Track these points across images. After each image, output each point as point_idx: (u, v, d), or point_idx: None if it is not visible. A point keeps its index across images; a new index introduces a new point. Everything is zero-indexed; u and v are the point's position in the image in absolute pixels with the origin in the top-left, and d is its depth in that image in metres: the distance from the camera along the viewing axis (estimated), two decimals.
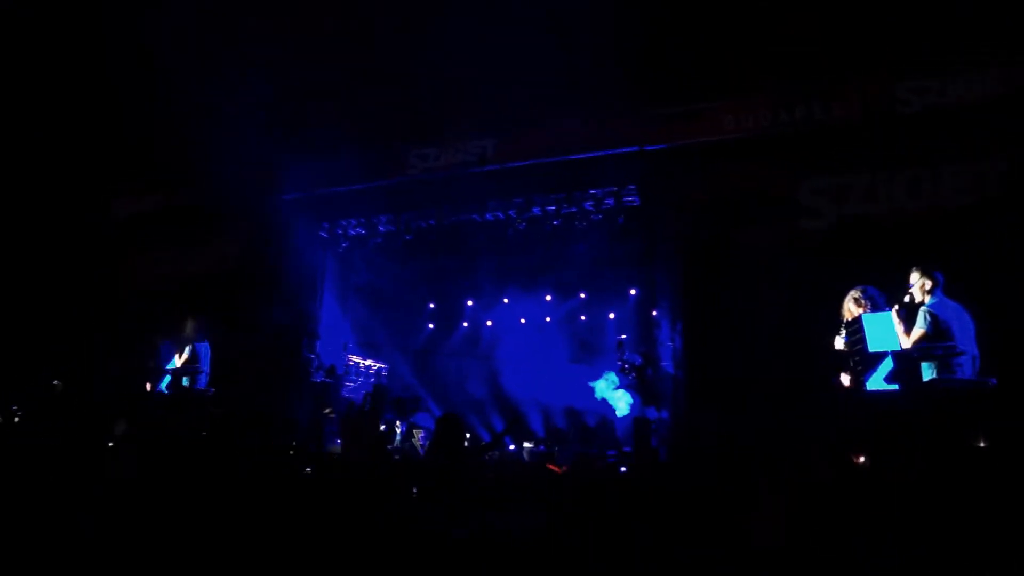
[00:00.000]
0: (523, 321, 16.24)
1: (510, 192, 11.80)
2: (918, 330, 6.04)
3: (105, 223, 14.00)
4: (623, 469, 9.43)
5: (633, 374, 11.42)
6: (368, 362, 15.14)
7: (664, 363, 10.31)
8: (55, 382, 10.74)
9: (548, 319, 16.18)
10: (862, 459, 6.02)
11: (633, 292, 14.45)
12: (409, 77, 11.24)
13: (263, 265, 12.46)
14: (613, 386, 14.25)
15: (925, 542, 4.50)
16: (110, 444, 7.70)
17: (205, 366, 9.80)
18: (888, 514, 4.77)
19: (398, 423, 12.20)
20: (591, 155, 10.80)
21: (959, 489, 4.83)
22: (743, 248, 9.58)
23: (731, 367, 9.18)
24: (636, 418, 10.66)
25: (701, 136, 10.20)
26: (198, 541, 4.84)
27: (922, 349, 5.99)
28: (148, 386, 9.74)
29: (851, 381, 6.52)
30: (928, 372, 6.03)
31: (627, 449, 11.10)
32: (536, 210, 11.88)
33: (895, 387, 6.28)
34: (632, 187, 11.11)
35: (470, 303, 16.37)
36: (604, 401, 14.28)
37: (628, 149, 10.56)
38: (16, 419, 10.05)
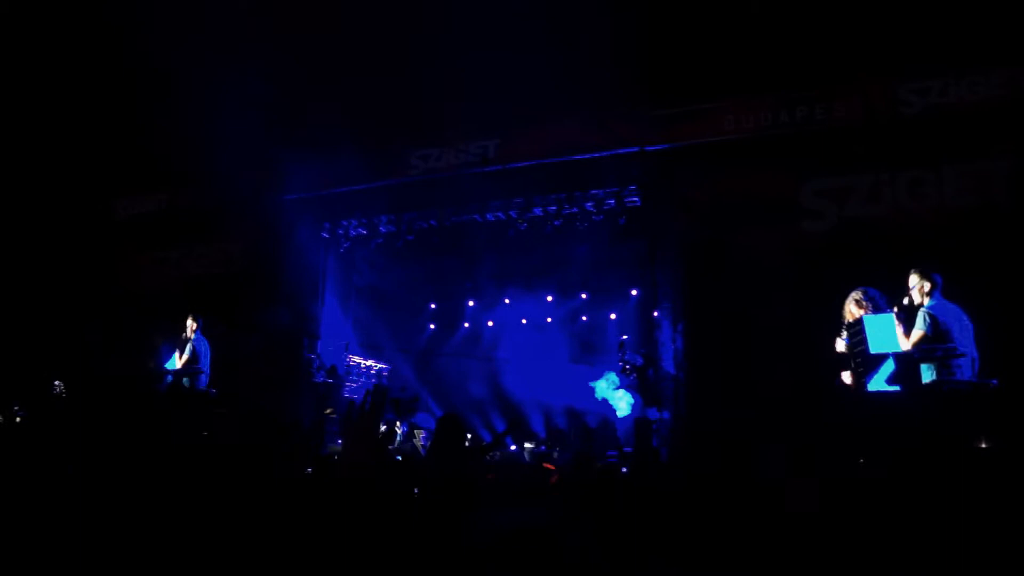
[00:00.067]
0: (524, 321, 16.26)
1: (511, 192, 11.79)
2: (918, 332, 6.05)
3: (106, 223, 14.01)
4: (624, 470, 9.44)
5: (634, 375, 11.41)
6: (369, 362, 15.15)
7: (665, 364, 10.29)
8: (56, 382, 10.73)
9: (549, 319, 16.20)
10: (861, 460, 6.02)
11: (634, 293, 14.46)
12: (411, 78, 11.24)
13: (264, 265, 12.46)
14: (613, 386, 14.27)
15: (931, 543, 4.50)
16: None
17: (205, 366, 9.82)
18: (895, 519, 4.76)
19: (399, 424, 12.21)
20: (592, 156, 10.80)
21: (964, 490, 4.82)
22: (744, 249, 9.56)
23: (732, 368, 9.17)
24: (637, 419, 10.65)
25: (703, 137, 10.19)
26: (201, 542, 4.84)
27: (923, 351, 5.99)
28: (151, 386, 9.75)
29: (853, 382, 6.52)
30: (928, 374, 6.03)
31: (628, 450, 11.11)
32: (537, 210, 11.87)
33: (896, 388, 6.28)
34: (633, 188, 11.10)
35: (471, 303, 16.39)
36: (605, 402, 14.30)
37: (629, 150, 10.56)
38: (18, 419, 10.05)
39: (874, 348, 6.10)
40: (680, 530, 5.36)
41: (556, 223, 11.86)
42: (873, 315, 6.29)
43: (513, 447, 12.86)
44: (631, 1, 9.93)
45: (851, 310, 6.61)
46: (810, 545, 4.75)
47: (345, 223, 13.03)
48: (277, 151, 12.07)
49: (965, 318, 6.15)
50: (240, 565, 4.60)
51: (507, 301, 15.66)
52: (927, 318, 6.03)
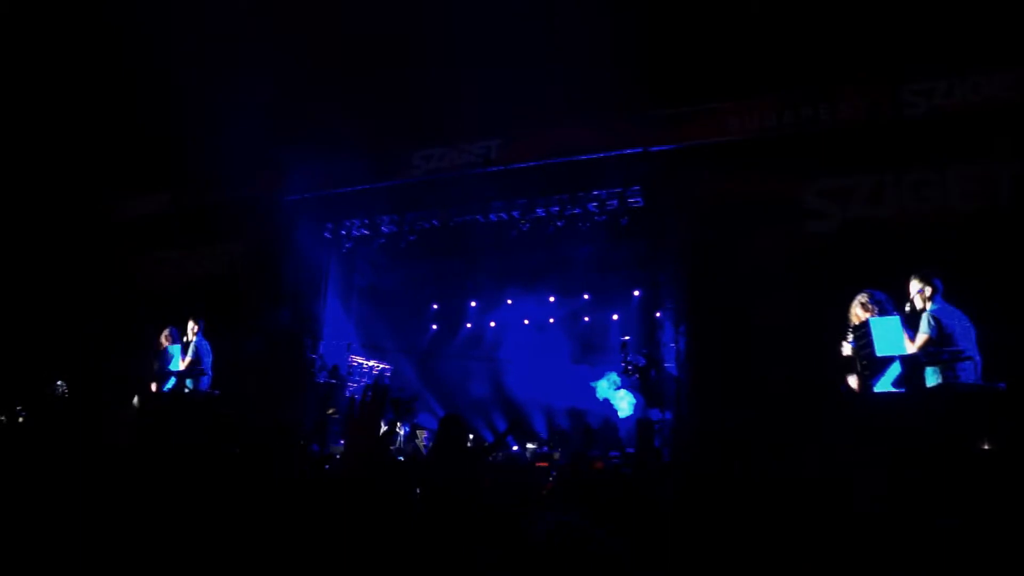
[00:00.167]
0: (526, 322, 16.26)
1: (514, 193, 11.79)
2: (922, 335, 6.04)
3: (108, 224, 14.01)
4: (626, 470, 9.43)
5: (636, 375, 11.41)
6: (371, 363, 15.14)
7: (668, 364, 10.28)
8: (59, 383, 10.73)
9: (551, 320, 16.19)
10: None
11: (637, 293, 14.45)
12: (413, 78, 11.24)
13: (267, 266, 12.45)
14: (615, 386, 14.28)
15: (933, 543, 4.49)
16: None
17: (208, 368, 9.80)
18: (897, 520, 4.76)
19: (400, 424, 12.21)
20: (595, 156, 10.78)
21: (972, 492, 4.82)
22: (748, 250, 9.53)
23: (735, 369, 9.15)
24: (640, 419, 10.65)
25: (706, 137, 10.17)
26: (201, 541, 4.83)
27: (929, 354, 5.98)
28: (153, 387, 9.75)
29: (859, 385, 6.50)
30: (933, 377, 6.01)
31: (630, 450, 11.10)
32: (540, 211, 11.88)
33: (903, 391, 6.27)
34: (636, 188, 11.10)
35: (473, 304, 16.38)
36: (607, 402, 14.30)
37: (632, 150, 10.54)
38: (20, 419, 10.05)
39: (880, 351, 6.08)
40: (682, 530, 5.36)
41: (559, 224, 11.86)
42: (879, 318, 6.27)
43: (515, 447, 12.86)
44: (634, 1, 9.92)
45: (857, 313, 6.59)
46: (813, 545, 4.75)
47: (347, 223, 13.03)
48: (279, 151, 12.07)
49: (967, 321, 6.14)
50: (240, 564, 4.60)
51: (509, 301, 15.64)
52: (932, 321, 6.02)
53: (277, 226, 12.49)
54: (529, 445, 13.04)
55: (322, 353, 12.65)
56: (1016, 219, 8.17)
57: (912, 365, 6.10)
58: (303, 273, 12.59)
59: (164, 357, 9.74)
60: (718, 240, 9.79)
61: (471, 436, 12.38)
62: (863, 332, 6.26)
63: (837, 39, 9.44)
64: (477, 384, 16.28)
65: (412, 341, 16.68)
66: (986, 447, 5.41)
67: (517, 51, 9.92)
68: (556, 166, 11.12)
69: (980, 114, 8.75)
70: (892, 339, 6.06)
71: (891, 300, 6.52)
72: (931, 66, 9.10)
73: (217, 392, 9.72)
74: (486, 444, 11.38)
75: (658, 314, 10.83)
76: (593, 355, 15.57)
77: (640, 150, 10.51)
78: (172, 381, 9.68)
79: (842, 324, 6.77)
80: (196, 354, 9.69)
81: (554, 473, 9.45)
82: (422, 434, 13.04)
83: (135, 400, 9.66)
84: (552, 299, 15.62)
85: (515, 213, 12.09)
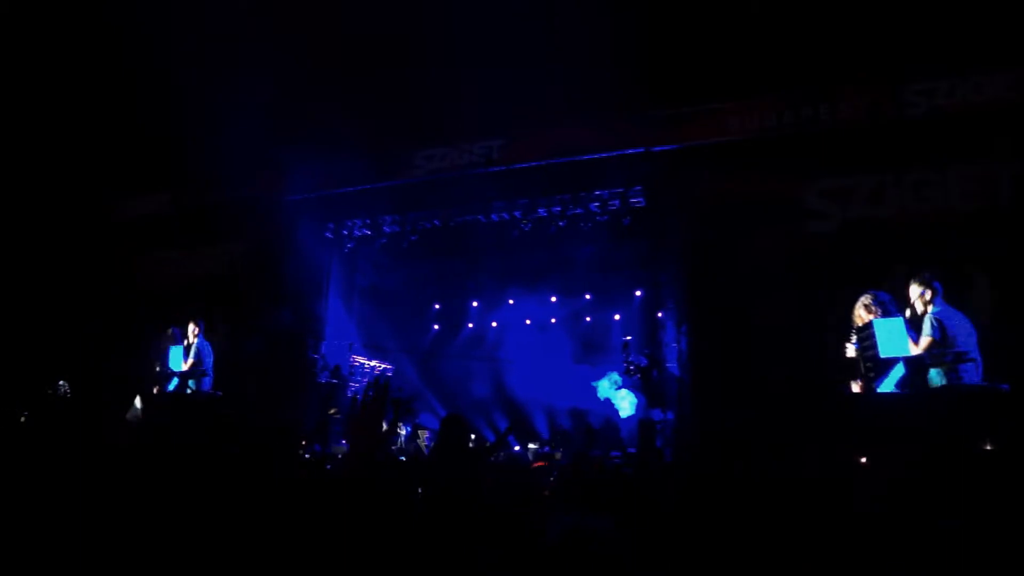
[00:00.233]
0: (528, 322, 16.25)
1: (516, 193, 11.79)
2: (926, 337, 6.04)
3: (109, 224, 14.00)
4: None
5: (638, 375, 11.41)
6: (373, 363, 15.14)
7: (669, 365, 10.28)
8: (61, 383, 10.74)
9: (553, 320, 16.18)
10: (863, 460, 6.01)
11: (638, 293, 14.45)
12: (415, 78, 11.23)
13: (268, 266, 12.44)
14: (616, 386, 14.26)
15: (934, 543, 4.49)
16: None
17: (209, 368, 9.82)
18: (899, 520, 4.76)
19: (401, 425, 12.21)
20: (597, 156, 10.78)
21: (974, 493, 4.81)
22: (749, 250, 9.53)
23: (737, 369, 9.14)
24: (642, 420, 10.66)
25: (708, 137, 10.17)
26: (202, 542, 4.83)
27: (933, 355, 5.98)
28: (155, 388, 9.76)
29: (862, 387, 6.51)
30: (937, 378, 6.02)
31: (632, 451, 11.11)
32: (541, 211, 11.88)
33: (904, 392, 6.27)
34: (638, 188, 11.09)
35: (475, 304, 16.37)
36: (608, 402, 14.29)
37: (634, 150, 10.54)
38: (22, 419, 10.05)
39: (884, 352, 6.09)
40: (684, 531, 5.35)
41: (560, 224, 11.86)
42: (883, 319, 6.27)
43: (517, 447, 12.87)
44: (634, 1, 9.91)
45: (860, 314, 6.60)
46: (814, 545, 4.74)
47: (349, 223, 13.03)
48: (281, 151, 12.06)
49: (967, 323, 6.15)
50: (241, 564, 4.60)
51: (511, 301, 15.64)
52: (935, 323, 6.03)
53: (278, 226, 12.49)
54: (531, 445, 13.04)
55: (324, 353, 12.66)
56: (1016, 219, 8.16)
57: (916, 367, 6.11)
58: (304, 273, 12.58)
59: (166, 358, 9.75)
60: (719, 240, 9.79)
61: (473, 436, 12.38)
62: (867, 333, 6.27)
63: (838, 39, 9.43)
64: (479, 384, 16.28)
65: (414, 341, 16.67)
66: (988, 447, 5.42)
67: (517, 51, 9.91)
68: (558, 166, 11.12)
69: (981, 114, 8.74)
70: (896, 340, 6.07)
71: (895, 301, 6.53)
72: (932, 66, 9.09)
73: (219, 393, 9.73)
74: (488, 444, 11.39)
75: (660, 314, 10.84)
76: (595, 355, 15.56)
77: (642, 150, 10.52)
78: (175, 382, 9.69)
79: (842, 325, 6.78)
80: (198, 355, 9.71)
81: (555, 473, 9.46)
82: (424, 434, 13.05)
83: (136, 401, 9.67)
84: (554, 299, 15.62)
85: (517, 213, 12.09)
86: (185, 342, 9.81)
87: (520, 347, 16.15)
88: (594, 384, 14.71)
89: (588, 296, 15.55)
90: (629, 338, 12.61)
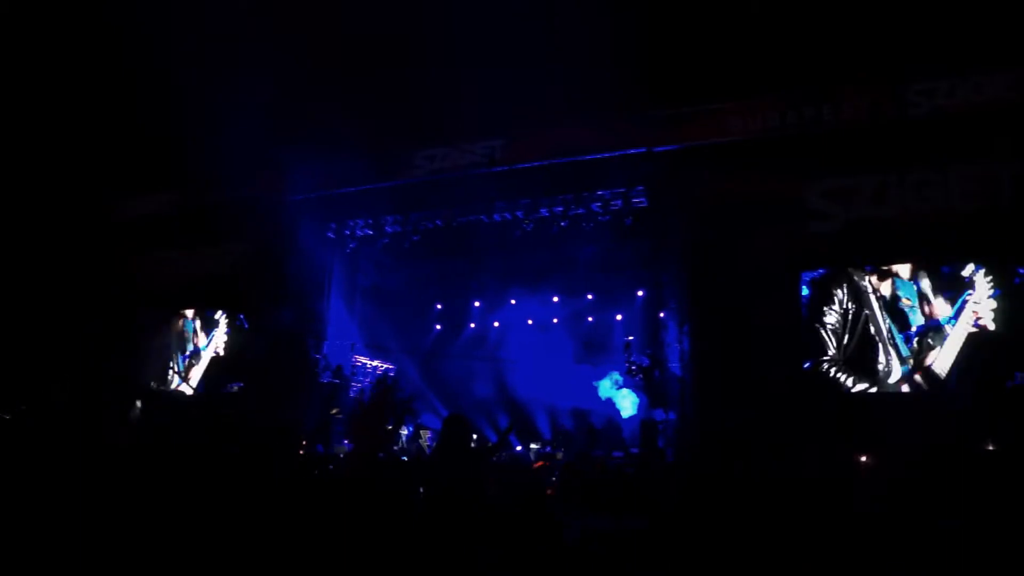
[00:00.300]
0: (530, 322, 16.24)
1: (518, 193, 11.78)
2: None
3: (110, 224, 14.00)
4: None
5: (640, 375, 11.40)
6: (375, 363, 15.14)
7: (671, 364, 10.27)
8: (60, 382, 10.75)
9: (555, 320, 16.17)
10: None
11: (640, 294, 14.43)
12: (416, 78, 11.22)
13: (270, 266, 12.44)
14: (617, 386, 14.25)
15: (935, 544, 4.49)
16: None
17: (210, 368, 9.82)
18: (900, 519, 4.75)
19: (402, 424, 12.20)
20: (599, 156, 10.77)
21: (975, 493, 4.81)
22: (751, 250, 9.52)
23: (739, 369, 9.14)
24: (644, 419, 10.65)
25: (709, 138, 10.16)
26: (202, 540, 4.84)
27: None
28: (155, 387, 9.77)
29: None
30: None
31: (633, 450, 11.10)
32: (543, 211, 11.87)
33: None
34: (640, 188, 11.08)
35: (477, 304, 16.36)
36: (610, 402, 14.28)
37: (636, 151, 10.53)
38: (21, 419, 10.07)
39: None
40: (685, 530, 5.35)
41: (562, 224, 11.85)
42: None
43: (519, 447, 12.86)
44: (634, 1, 9.90)
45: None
46: (814, 544, 4.74)
47: (351, 223, 13.03)
48: (282, 151, 12.06)
49: None
50: (242, 563, 4.61)
51: (513, 302, 15.63)
52: None
53: (280, 226, 12.48)
54: (533, 445, 13.03)
55: (326, 353, 12.65)
56: (1016, 219, 8.14)
57: None
58: (306, 273, 12.57)
59: (167, 357, 9.76)
60: (720, 240, 9.78)
61: (475, 436, 12.38)
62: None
63: (839, 39, 9.41)
64: (481, 384, 16.26)
65: (416, 341, 16.66)
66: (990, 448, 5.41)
67: (518, 51, 9.91)
68: (559, 166, 11.12)
69: (982, 114, 8.73)
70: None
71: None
72: (933, 66, 9.08)
73: (221, 392, 9.72)
74: (490, 444, 11.39)
75: (662, 314, 10.82)
76: (596, 355, 15.54)
77: (644, 150, 10.50)
78: (176, 382, 9.70)
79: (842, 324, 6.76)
80: (199, 355, 9.70)
81: (557, 473, 9.45)
82: (426, 434, 13.04)
83: (136, 401, 9.68)
84: (556, 299, 15.60)
85: (519, 213, 12.08)
86: (187, 342, 9.82)
87: (522, 347, 16.13)
88: (596, 384, 14.70)
89: (590, 296, 15.52)
90: (631, 338, 12.60)
